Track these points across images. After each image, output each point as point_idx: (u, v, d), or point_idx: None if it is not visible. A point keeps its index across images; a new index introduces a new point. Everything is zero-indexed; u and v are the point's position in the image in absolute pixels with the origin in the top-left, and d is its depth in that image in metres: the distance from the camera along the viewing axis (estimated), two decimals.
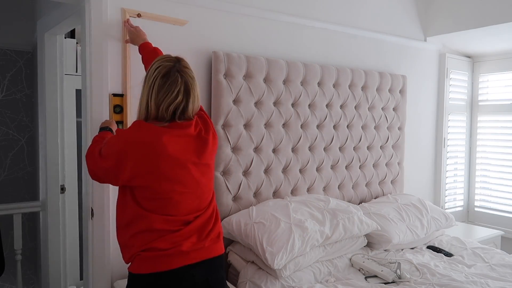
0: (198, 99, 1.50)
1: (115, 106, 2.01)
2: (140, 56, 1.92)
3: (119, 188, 1.50)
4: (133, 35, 1.95)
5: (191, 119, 1.49)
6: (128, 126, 1.49)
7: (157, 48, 1.88)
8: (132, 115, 2.01)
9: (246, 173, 2.36)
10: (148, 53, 1.85)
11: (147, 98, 1.43)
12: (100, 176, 1.49)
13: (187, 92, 1.43)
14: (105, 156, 1.43)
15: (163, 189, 1.40)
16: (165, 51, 2.07)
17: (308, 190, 2.63)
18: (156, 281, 1.39)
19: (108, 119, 1.95)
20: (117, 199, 1.51)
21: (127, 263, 1.48)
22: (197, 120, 1.53)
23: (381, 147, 3.03)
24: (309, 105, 2.61)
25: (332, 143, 2.72)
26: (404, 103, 3.14)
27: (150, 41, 1.97)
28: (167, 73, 1.41)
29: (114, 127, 1.84)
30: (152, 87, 1.41)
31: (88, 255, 1.97)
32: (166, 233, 1.41)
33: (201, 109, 1.65)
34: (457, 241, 2.67)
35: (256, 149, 2.40)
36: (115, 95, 2.00)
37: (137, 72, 2.03)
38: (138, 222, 1.42)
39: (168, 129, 1.42)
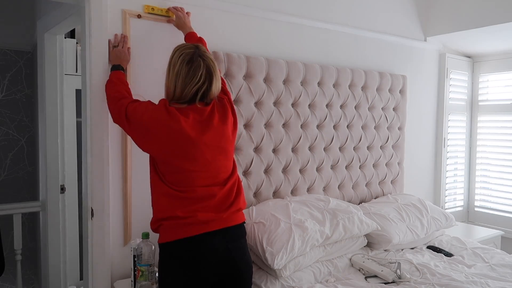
0: (219, 81, 1.62)
1: None
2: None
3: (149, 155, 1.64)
4: (181, 21, 2.03)
5: (208, 104, 1.61)
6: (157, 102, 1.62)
7: (202, 38, 1.97)
8: None
9: (246, 173, 2.36)
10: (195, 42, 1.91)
11: (175, 83, 1.55)
12: (118, 124, 1.69)
13: (210, 74, 1.56)
14: (132, 123, 1.59)
15: (178, 165, 1.54)
16: (165, 52, 2.08)
17: (308, 190, 2.63)
18: (179, 247, 1.53)
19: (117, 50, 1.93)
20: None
21: (152, 229, 1.61)
22: (214, 104, 1.64)
23: (381, 147, 3.03)
24: (309, 105, 2.61)
25: (332, 143, 2.72)
26: (404, 103, 3.14)
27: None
28: (191, 59, 1.54)
29: (126, 63, 1.93)
30: (179, 73, 1.54)
31: (88, 255, 1.97)
32: (184, 202, 1.54)
33: (224, 92, 1.74)
34: (457, 241, 2.67)
35: (256, 149, 2.40)
36: None
37: (137, 71, 2.03)
38: (158, 186, 1.58)
39: (187, 112, 1.55)
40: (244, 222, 1.69)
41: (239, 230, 1.66)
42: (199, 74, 1.53)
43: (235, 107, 1.83)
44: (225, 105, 1.68)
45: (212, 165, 1.58)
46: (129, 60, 1.96)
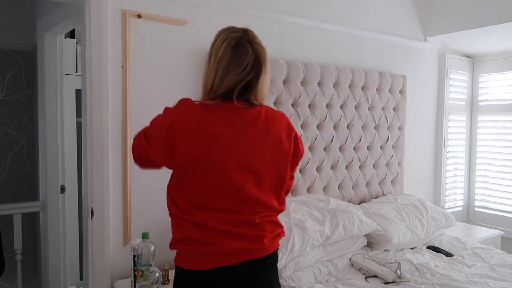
0: (269, 76, 1.32)
1: None
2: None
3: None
4: None
5: (252, 106, 1.28)
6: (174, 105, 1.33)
7: None
8: (132, 112, 2.00)
9: None
10: None
11: (215, 72, 1.27)
12: (142, 158, 1.36)
13: (258, 64, 1.26)
14: (150, 138, 1.31)
15: (199, 180, 1.25)
16: (165, 51, 2.08)
17: (308, 190, 2.63)
18: (194, 277, 1.28)
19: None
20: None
21: (170, 247, 1.35)
22: (264, 112, 1.30)
23: (381, 147, 3.03)
24: (309, 105, 2.60)
25: (332, 143, 2.72)
26: (404, 103, 3.13)
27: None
28: (237, 44, 1.26)
29: None
30: (221, 60, 1.25)
31: (88, 255, 1.97)
32: (202, 220, 1.26)
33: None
34: (457, 241, 2.67)
35: None
36: None
37: (137, 71, 2.03)
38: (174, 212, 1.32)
39: (217, 111, 1.26)
40: (278, 248, 1.38)
41: (271, 259, 1.33)
42: (246, 62, 1.24)
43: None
44: (290, 136, 1.34)
45: (243, 194, 1.27)
46: None
